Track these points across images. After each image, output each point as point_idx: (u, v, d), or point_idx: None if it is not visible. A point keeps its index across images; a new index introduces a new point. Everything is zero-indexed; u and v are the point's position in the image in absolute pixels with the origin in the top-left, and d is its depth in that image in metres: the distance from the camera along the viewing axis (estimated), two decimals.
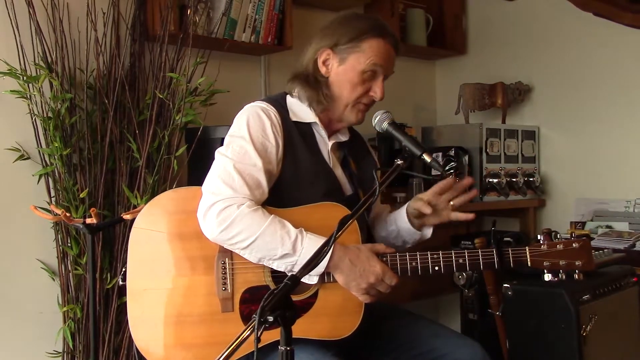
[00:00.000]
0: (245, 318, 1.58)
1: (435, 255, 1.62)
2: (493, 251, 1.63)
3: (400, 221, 1.85)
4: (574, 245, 1.64)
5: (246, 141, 1.63)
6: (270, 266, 1.58)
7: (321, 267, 1.54)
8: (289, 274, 1.48)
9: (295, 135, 1.72)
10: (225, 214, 1.54)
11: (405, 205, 1.85)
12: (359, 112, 1.77)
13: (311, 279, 1.57)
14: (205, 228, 1.57)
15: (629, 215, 2.97)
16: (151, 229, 1.63)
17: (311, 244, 1.53)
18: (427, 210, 1.73)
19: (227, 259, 1.61)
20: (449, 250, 1.63)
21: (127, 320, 1.62)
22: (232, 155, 1.62)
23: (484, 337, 2.39)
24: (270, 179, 1.65)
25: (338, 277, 1.57)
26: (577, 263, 1.63)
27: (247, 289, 1.60)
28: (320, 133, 1.79)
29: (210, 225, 1.55)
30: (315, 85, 1.76)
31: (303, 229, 1.56)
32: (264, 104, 1.72)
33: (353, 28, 1.73)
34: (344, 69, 1.74)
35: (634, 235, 2.81)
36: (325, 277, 1.59)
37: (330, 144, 1.80)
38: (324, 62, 1.77)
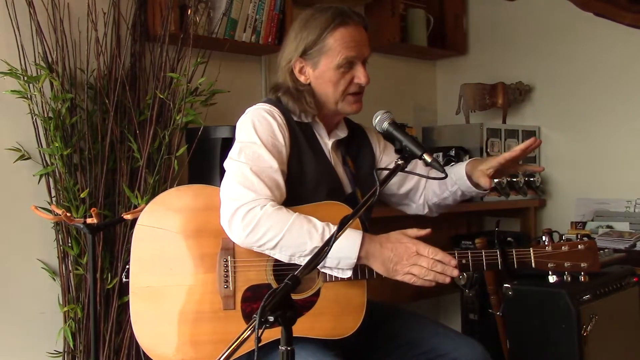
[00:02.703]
0: (247, 316, 1.58)
1: None
2: (497, 252, 1.61)
3: (463, 185, 1.83)
4: (579, 247, 1.62)
5: (258, 145, 1.62)
6: (301, 264, 1.56)
7: (352, 259, 1.51)
8: (320, 270, 1.50)
9: (300, 135, 1.72)
10: (249, 217, 1.52)
11: (462, 170, 1.82)
12: (352, 103, 1.76)
13: (344, 273, 1.54)
14: (232, 234, 1.55)
15: (629, 215, 2.97)
16: (155, 227, 1.63)
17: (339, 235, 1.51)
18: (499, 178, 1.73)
19: (229, 256, 1.60)
20: (449, 250, 1.63)
21: (128, 320, 1.62)
22: (247, 160, 1.60)
23: (484, 337, 2.38)
24: (284, 178, 1.64)
25: (375, 265, 1.54)
26: (582, 265, 1.61)
27: (249, 287, 1.60)
28: (320, 133, 1.80)
29: (237, 230, 1.53)
30: (298, 96, 1.74)
31: (329, 223, 1.54)
32: (267, 106, 1.71)
33: (314, 28, 1.71)
34: (320, 72, 1.73)
35: (635, 235, 2.82)
36: (327, 276, 1.59)
37: (330, 142, 1.80)
38: (300, 71, 1.76)
